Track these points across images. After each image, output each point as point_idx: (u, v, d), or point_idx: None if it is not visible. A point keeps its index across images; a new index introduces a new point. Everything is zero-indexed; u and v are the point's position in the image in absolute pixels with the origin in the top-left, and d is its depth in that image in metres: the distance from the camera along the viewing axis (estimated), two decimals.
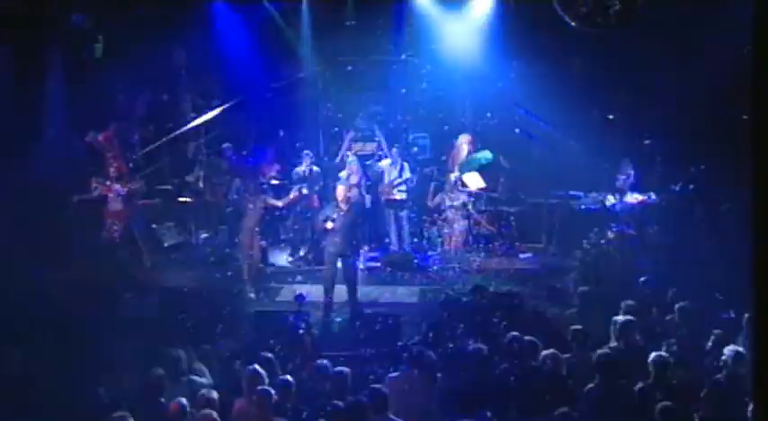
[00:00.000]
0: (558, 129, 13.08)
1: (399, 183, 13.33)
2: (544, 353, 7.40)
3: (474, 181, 13.97)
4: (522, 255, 13.24)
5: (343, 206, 10.51)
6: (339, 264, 10.69)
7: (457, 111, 15.09)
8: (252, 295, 11.28)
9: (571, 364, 7.43)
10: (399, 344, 8.60)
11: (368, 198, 13.00)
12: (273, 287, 11.95)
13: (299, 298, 9.54)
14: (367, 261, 12.60)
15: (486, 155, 12.86)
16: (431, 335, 8.51)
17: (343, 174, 12.67)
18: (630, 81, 13.11)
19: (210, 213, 13.78)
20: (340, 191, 10.63)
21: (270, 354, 7.61)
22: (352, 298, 10.67)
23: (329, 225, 10.43)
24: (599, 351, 7.33)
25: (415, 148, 14.70)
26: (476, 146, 13.32)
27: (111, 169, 11.63)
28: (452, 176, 11.09)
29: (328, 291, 10.52)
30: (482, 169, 13.17)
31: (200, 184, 13.70)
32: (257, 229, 11.67)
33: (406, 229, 13.35)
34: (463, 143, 11.55)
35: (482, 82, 13.70)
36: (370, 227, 12.93)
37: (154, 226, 13.44)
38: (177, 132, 13.37)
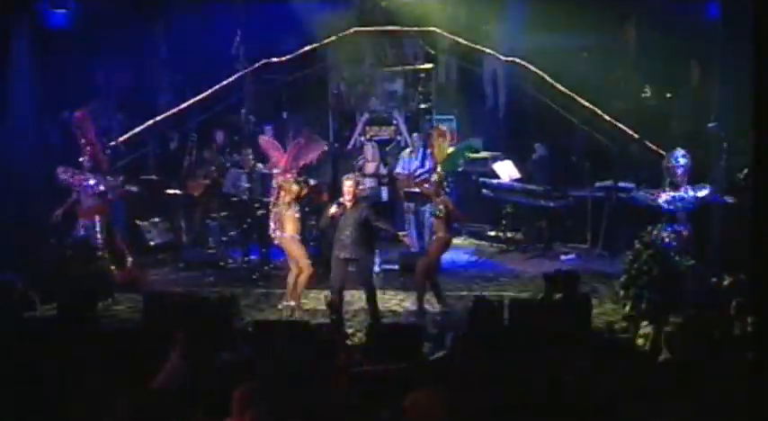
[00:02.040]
0: (604, 110, 12.94)
1: (421, 174, 13.23)
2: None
3: (506, 170, 13.92)
4: (563, 257, 13.24)
5: (348, 201, 10.39)
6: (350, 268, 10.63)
7: (487, 90, 15.06)
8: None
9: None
10: (420, 359, 8.53)
11: (384, 190, 12.92)
12: (275, 292, 11.85)
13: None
14: (382, 263, 12.59)
15: (471, 145, 12.74)
16: (456, 348, 8.41)
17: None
18: (691, 52, 12.95)
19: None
20: (346, 184, 10.52)
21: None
22: (371, 309, 10.54)
23: (332, 210, 10.25)
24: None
25: None
26: (458, 136, 13.27)
27: (86, 157, 11.57)
28: (435, 177, 10.87)
29: (335, 301, 10.32)
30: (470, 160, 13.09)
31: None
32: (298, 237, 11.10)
33: (429, 227, 13.26)
34: (437, 137, 11.44)
35: (516, 56, 13.58)
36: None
37: (137, 222, 13.50)
38: (163, 116, 13.33)
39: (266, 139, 11.36)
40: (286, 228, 10.70)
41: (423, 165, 13.30)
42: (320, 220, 10.64)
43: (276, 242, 10.90)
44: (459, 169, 12.13)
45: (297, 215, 10.78)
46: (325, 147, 11.87)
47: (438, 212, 10.75)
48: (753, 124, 3.15)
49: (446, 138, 11.30)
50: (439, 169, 11.02)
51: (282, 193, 10.76)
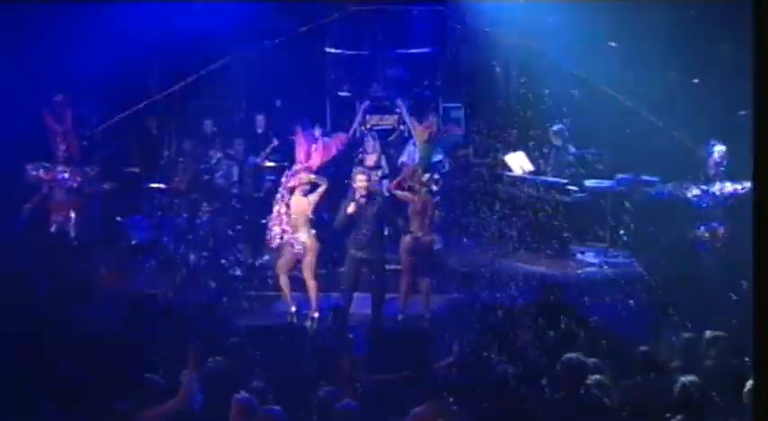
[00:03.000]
0: (626, 96, 12.85)
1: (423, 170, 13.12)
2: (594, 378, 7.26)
3: (518, 162, 13.85)
4: (579, 256, 13.20)
5: (363, 198, 10.34)
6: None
7: (500, 75, 15.05)
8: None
9: (632, 393, 7.27)
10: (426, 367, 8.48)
11: (386, 184, 12.86)
12: (267, 295, 11.91)
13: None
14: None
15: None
16: (465, 355, 8.37)
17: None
18: (721, 32, 12.82)
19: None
20: (360, 178, 10.47)
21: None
22: (376, 310, 10.63)
23: (352, 208, 10.23)
24: (682, 379, 7.11)
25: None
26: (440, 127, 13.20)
27: (61, 148, 11.49)
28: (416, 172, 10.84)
29: (346, 304, 10.54)
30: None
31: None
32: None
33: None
34: (419, 129, 11.34)
35: (531, 37, 13.51)
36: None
37: (118, 219, 13.45)
38: (146, 102, 13.26)
39: (302, 134, 11.27)
40: (302, 230, 10.65)
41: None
42: (337, 219, 10.60)
43: (286, 247, 10.80)
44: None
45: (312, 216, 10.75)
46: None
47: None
48: (753, 124, 3.18)
49: (430, 130, 11.30)
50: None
51: (299, 193, 10.72)
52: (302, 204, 10.83)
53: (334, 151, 11.41)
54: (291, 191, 10.90)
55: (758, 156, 5.25)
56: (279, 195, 11.01)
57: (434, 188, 11.32)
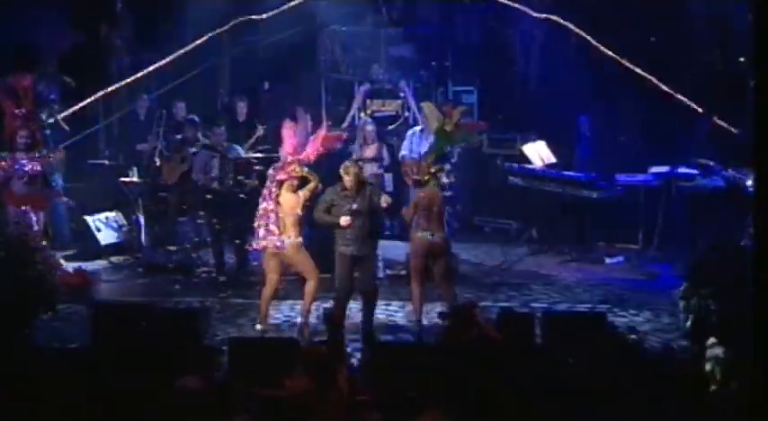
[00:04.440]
0: (661, 76, 12.78)
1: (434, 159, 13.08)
2: None
3: (538, 153, 13.81)
4: (609, 260, 13.21)
5: (351, 185, 10.35)
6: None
7: (516, 55, 15.01)
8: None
9: None
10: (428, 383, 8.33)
11: (388, 178, 12.79)
12: (255, 303, 11.62)
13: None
14: (387, 267, 12.49)
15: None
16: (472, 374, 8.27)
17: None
18: None
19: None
20: (350, 169, 10.45)
21: None
22: (366, 318, 10.57)
23: (345, 221, 10.27)
24: None
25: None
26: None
27: (21, 136, 11.44)
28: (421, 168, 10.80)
29: (339, 312, 10.35)
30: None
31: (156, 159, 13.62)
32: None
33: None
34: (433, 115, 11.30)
35: (554, 9, 13.44)
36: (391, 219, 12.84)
37: (85, 217, 13.37)
38: (118, 85, 13.21)
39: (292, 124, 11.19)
40: (291, 231, 10.63)
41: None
42: (316, 210, 10.58)
43: (271, 250, 10.72)
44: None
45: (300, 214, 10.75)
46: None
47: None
48: (754, 124, 3.25)
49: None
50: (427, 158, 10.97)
51: (288, 188, 10.66)
52: (291, 201, 10.74)
53: (336, 146, 11.31)
54: (280, 185, 10.80)
55: (758, 154, 5.52)
56: (266, 190, 10.88)
57: (445, 180, 11.22)
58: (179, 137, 13.53)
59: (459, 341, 8.78)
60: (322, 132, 10.93)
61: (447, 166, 11.39)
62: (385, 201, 10.42)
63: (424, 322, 10.75)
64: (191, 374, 8.17)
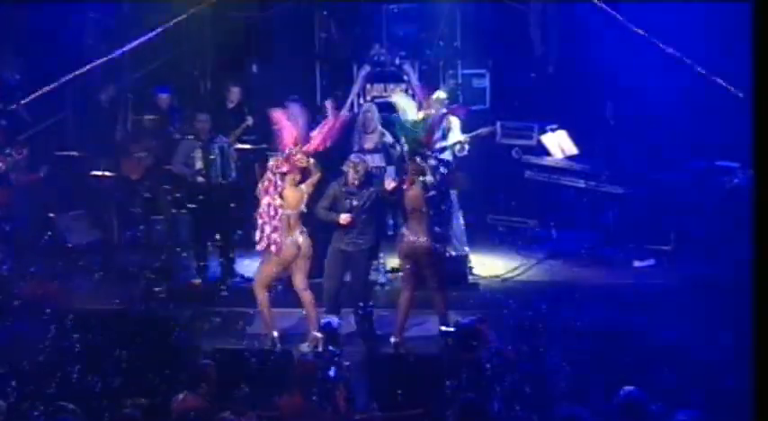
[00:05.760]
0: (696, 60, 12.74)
1: (441, 150, 13.06)
2: None
3: (559, 144, 13.82)
4: (637, 263, 13.20)
5: (355, 182, 10.33)
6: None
7: (534, 34, 15.03)
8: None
9: None
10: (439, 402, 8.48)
11: (391, 171, 12.77)
12: (242, 312, 11.88)
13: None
14: (389, 271, 12.49)
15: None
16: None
17: None
18: None
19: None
20: (358, 166, 10.58)
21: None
22: (364, 328, 10.70)
23: (345, 219, 10.36)
24: None
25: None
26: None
27: None
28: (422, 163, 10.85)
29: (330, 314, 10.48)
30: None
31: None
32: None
33: (456, 224, 13.12)
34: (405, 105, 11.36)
35: None
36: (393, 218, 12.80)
37: (51, 215, 13.40)
38: (87, 68, 13.14)
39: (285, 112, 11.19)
40: (297, 229, 10.69)
41: (444, 137, 13.12)
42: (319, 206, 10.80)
43: (278, 253, 10.76)
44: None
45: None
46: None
47: None
48: (755, 125, 3.41)
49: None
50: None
51: (291, 181, 10.67)
52: (297, 196, 10.77)
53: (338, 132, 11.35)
54: (283, 178, 10.83)
55: (758, 154, 6.02)
56: (266, 182, 10.87)
57: (429, 179, 11.18)
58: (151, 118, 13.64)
59: (463, 360, 8.85)
60: (331, 121, 10.94)
61: (432, 163, 11.37)
62: (388, 184, 10.45)
63: (410, 334, 10.95)
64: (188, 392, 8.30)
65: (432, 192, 11.34)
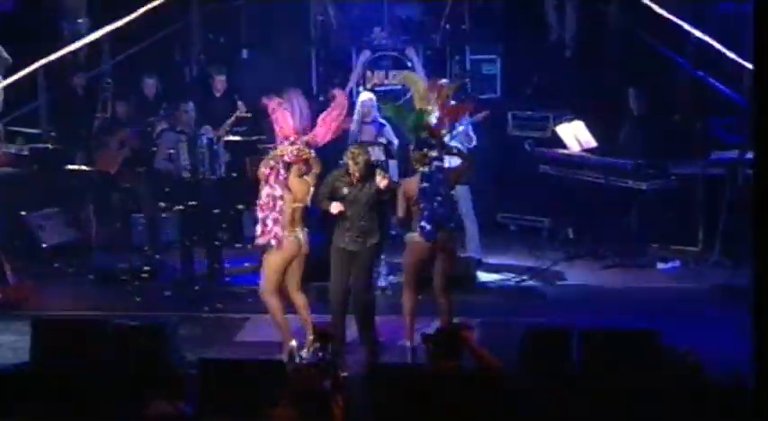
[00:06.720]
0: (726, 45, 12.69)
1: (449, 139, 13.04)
2: None
3: (576, 136, 13.83)
4: (662, 266, 13.19)
5: (356, 173, 10.37)
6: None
7: (549, 17, 15.04)
8: None
9: None
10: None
11: (393, 165, 12.75)
12: (232, 318, 11.86)
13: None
14: (390, 273, 12.49)
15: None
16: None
17: None
18: None
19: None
20: (358, 157, 10.47)
21: None
22: (365, 336, 10.65)
23: (336, 207, 10.34)
24: None
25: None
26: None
27: None
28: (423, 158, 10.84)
29: (336, 322, 10.52)
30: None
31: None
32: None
33: (465, 223, 13.07)
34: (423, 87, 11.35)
35: None
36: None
37: (23, 213, 13.38)
38: (60, 53, 13.12)
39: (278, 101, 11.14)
40: (299, 225, 10.62)
41: (451, 128, 13.09)
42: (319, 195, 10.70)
43: (279, 247, 10.70)
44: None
45: None
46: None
47: None
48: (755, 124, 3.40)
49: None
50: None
51: (296, 172, 10.63)
52: (303, 188, 10.70)
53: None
54: (288, 168, 10.77)
55: (758, 154, 5.90)
56: (268, 173, 10.79)
57: (425, 170, 11.13)
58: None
59: (443, 369, 8.80)
60: (337, 111, 10.89)
61: (433, 153, 11.33)
62: (381, 179, 10.40)
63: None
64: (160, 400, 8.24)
65: (424, 184, 11.35)
